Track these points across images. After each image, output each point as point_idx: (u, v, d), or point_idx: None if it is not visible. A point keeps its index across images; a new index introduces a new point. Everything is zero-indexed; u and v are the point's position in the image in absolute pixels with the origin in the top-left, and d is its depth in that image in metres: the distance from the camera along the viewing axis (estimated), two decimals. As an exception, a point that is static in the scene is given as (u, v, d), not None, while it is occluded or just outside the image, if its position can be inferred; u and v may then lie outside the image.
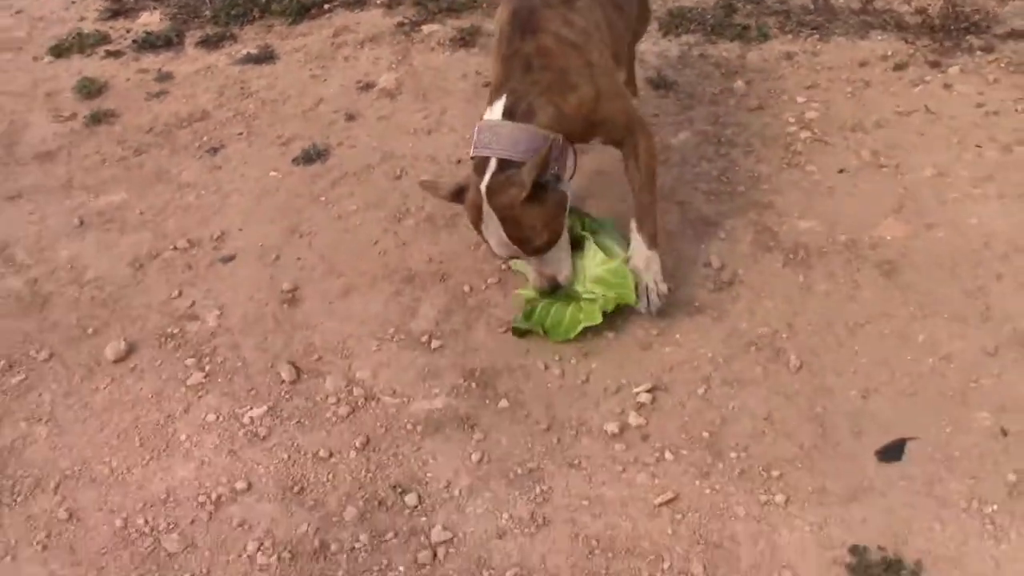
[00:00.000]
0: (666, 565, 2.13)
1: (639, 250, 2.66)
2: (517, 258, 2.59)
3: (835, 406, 2.40)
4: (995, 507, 2.14)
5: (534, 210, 2.42)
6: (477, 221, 2.51)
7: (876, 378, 2.45)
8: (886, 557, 2.06)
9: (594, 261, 2.61)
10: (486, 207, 2.44)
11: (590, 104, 2.55)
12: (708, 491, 2.26)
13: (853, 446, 2.31)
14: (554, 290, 2.58)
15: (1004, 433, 2.28)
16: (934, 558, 2.06)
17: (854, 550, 2.09)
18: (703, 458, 2.33)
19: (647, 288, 2.64)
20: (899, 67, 3.56)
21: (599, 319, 2.60)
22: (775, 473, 2.27)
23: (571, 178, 2.68)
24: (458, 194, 2.56)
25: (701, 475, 2.29)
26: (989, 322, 2.55)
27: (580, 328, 2.61)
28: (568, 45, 2.54)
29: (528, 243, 2.47)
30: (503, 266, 2.87)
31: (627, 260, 2.63)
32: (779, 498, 2.21)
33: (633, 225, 2.68)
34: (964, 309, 2.60)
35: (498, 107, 2.47)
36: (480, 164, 2.47)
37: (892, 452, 2.28)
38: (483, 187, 2.44)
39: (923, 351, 2.50)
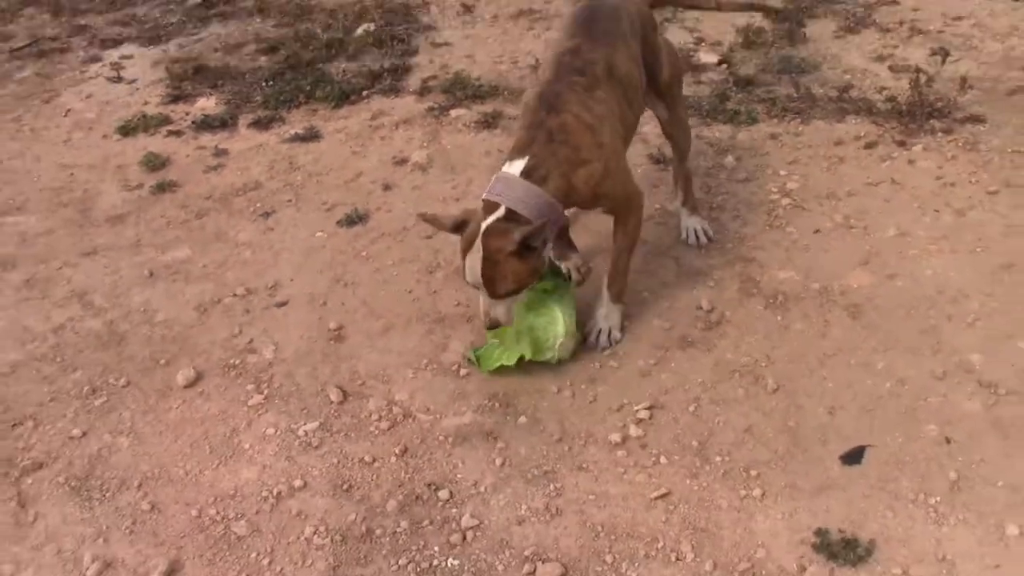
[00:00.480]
0: (660, 545, 2.52)
1: (604, 301, 3.21)
2: (479, 291, 2.95)
3: (805, 420, 2.82)
4: (939, 499, 2.53)
5: (513, 264, 2.82)
6: (466, 249, 2.88)
7: (841, 398, 2.87)
8: (845, 537, 2.46)
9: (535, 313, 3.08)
10: (478, 242, 2.84)
11: (596, 179, 2.96)
12: (696, 488, 2.66)
13: (820, 452, 2.71)
14: (493, 327, 3.00)
15: (948, 441, 2.69)
16: (886, 538, 2.45)
17: (818, 532, 2.48)
18: (693, 462, 2.74)
19: (600, 331, 3.19)
20: (870, 146, 4.06)
21: (513, 362, 3.03)
22: (753, 473, 2.67)
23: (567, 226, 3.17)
24: (459, 227, 2.95)
25: (691, 475, 2.70)
26: (939, 354, 2.98)
27: (497, 365, 3.06)
28: (585, 126, 2.95)
29: (494, 286, 2.87)
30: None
31: (566, 327, 3.07)
32: (756, 492, 2.61)
33: (605, 281, 3.20)
34: (918, 343, 3.03)
35: (518, 164, 2.89)
36: (489, 207, 2.87)
37: (853, 457, 2.69)
38: (485, 224, 2.84)
39: (882, 377, 2.93)
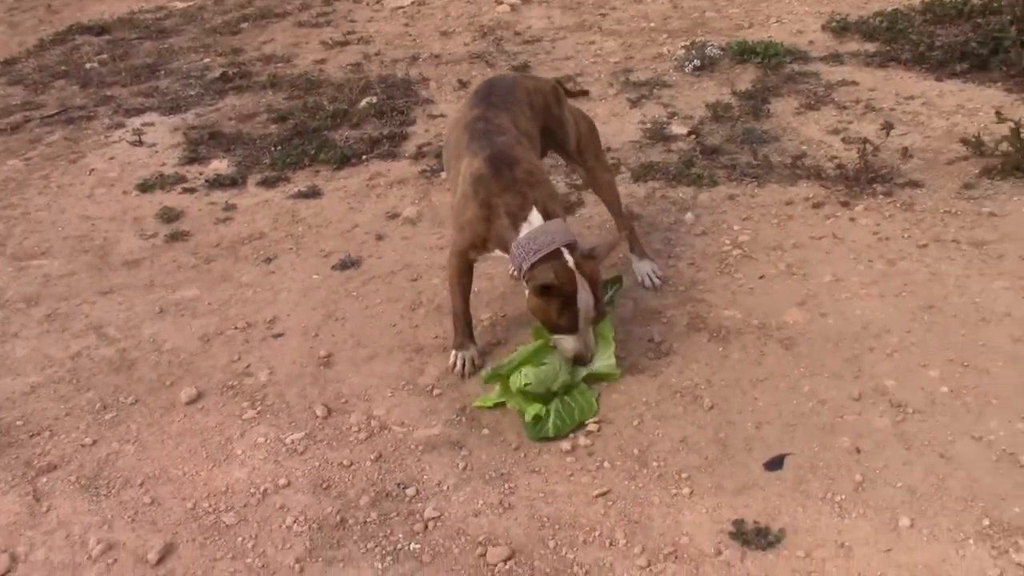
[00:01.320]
0: (597, 534, 2.85)
1: None
2: (577, 330, 3.27)
3: (735, 433, 3.16)
4: (843, 497, 2.87)
5: (600, 276, 3.32)
6: (574, 290, 3.18)
7: (768, 415, 3.22)
8: (758, 527, 2.79)
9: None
10: (578, 279, 3.18)
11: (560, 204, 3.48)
12: (633, 487, 3.00)
13: (745, 459, 3.06)
14: (590, 359, 3.38)
15: (858, 451, 3.03)
16: (794, 528, 2.78)
17: (735, 523, 2.81)
18: (632, 467, 3.08)
19: None
20: (817, 205, 4.47)
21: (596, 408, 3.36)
22: (684, 476, 3.01)
23: None
24: (548, 289, 3.17)
25: (630, 477, 3.04)
26: (859, 379, 3.33)
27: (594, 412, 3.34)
28: (536, 168, 3.43)
29: (599, 302, 3.30)
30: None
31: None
32: (685, 491, 2.95)
33: None
34: (841, 370, 3.39)
35: (536, 216, 3.24)
36: (549, 255, 3.18)
37: (775, 463, 3.03)
38: (572, 264, 3.18)
39: (805, 398, 3.28)
